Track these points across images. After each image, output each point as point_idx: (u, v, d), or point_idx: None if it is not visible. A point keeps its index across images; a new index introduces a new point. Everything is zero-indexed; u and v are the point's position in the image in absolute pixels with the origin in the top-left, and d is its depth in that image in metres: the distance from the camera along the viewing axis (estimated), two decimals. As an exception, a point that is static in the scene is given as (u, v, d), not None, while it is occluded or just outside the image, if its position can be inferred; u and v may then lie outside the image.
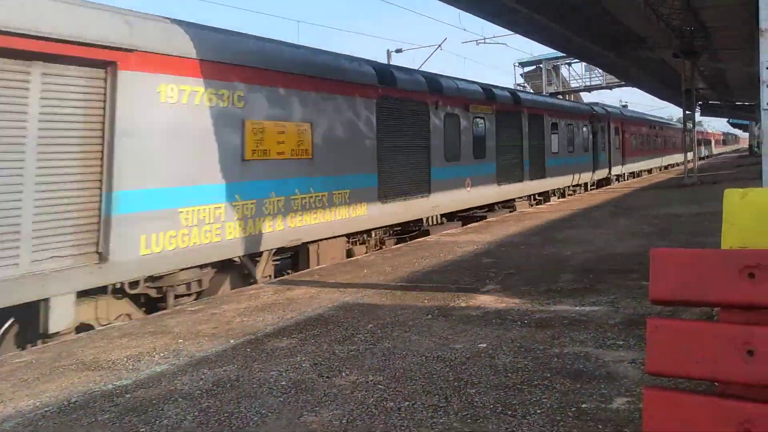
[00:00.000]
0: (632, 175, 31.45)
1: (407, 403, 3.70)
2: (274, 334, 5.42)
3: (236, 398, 3.94)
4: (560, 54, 30.32)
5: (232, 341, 5.28)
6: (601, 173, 25.57)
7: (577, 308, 5.69)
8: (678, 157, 43.46)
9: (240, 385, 4.17)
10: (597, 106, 26.09)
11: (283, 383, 4.16)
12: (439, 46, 26.03)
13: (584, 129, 23.31)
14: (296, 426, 3.47)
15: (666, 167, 40.88)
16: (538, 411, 3.47)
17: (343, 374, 4.28)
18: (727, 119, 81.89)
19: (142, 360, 4.89)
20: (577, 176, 22.35)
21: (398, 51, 28.48)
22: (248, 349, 5.01)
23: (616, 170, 27.65)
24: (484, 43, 29.37)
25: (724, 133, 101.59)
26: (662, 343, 1.39)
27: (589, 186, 24.11)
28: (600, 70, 38.75)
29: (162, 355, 5.00)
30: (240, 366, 4.59)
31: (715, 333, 1.35)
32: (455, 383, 3.98)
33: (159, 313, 6.76)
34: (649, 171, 36.01)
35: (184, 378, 4.39)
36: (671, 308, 4.87)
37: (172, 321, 6.15)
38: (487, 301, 6.21)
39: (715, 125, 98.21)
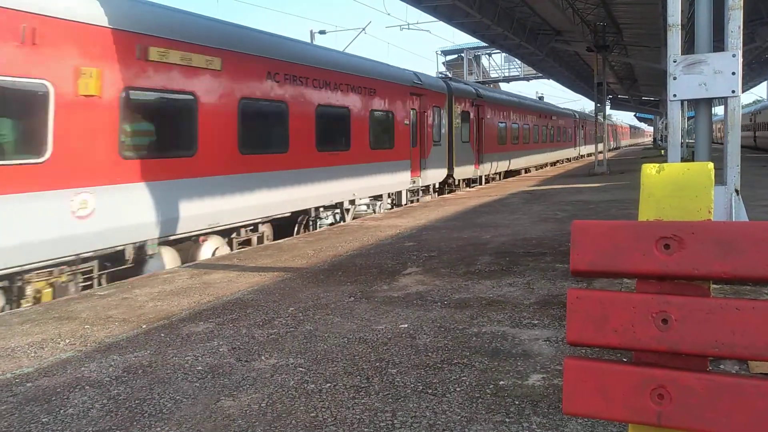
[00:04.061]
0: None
1: (329, 384, 3.66)
2: (190, 319, 5.22)
3: (149, 384, 3.76)
4: (482, 44, 30.86)
5: (144, 326, 5.04)
6: None
7: (495, 289, 5.83)
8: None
9: (153, 371, 3.99)
10: None
11: (200, 368, 4.02)
12: (363, 29, 25.88)
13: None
14: (213, 411, 3.35)
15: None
16: (458, 389, 3.52)
17: (263, 358, 4.18)
18: (634, 113, 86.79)
19: (46, 347, 4.59)
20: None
21: (322, 32, 28.08)
22: (162, 334, 4.80)
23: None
24: (408, 29, 29.48)
25: (631, 126, 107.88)
26: (582, 313, 1.41)
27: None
28: (518, 62, 39.94)
29: (68, 341, 4.71)
30: (153, 351, 4.39)
31: (632, 303, 1.38)
32: (377, 364, 3.97)
33: (64, 298, 6.37)
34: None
35: (91, 365, 4.15)
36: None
37: (79, 306, 5.81)
38: (408, 283, 6.26)
39: (623, 119, 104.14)
